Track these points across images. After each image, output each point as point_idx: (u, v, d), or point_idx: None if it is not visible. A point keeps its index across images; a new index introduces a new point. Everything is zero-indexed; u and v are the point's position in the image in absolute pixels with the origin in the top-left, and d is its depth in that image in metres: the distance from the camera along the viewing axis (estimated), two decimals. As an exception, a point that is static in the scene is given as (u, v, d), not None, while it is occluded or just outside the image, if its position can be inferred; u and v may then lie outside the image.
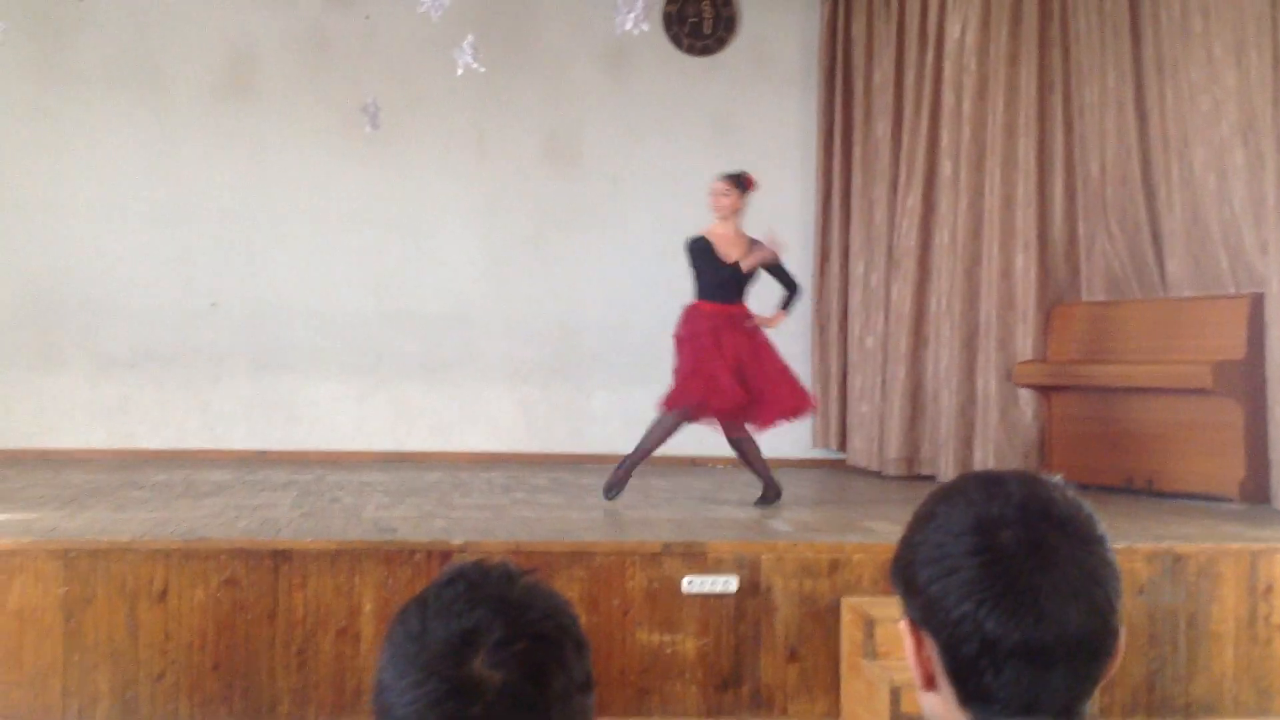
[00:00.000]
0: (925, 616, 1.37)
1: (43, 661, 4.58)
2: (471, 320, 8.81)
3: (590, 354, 8.86)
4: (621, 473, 6.41)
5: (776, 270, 6.41)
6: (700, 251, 6.34)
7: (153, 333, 8.44)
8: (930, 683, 1.40)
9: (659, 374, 8.78)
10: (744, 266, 6.27)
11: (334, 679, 4.71)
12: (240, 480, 7.20)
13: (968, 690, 1.36)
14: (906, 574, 1.40)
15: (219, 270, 8.52)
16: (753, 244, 6.36)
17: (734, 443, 6.41)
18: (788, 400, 6.35)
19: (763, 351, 6.32)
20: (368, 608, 4.79)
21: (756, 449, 6.41)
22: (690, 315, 6.39)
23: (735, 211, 6.38)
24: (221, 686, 4.64)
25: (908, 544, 1.42)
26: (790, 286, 6.49)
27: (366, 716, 4.65)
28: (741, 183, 6.40)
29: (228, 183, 8.49)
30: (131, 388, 8.45)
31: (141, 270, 8.42)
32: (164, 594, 4.68)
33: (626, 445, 8.59)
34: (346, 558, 4.81)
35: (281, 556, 4.76)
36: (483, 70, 7.02)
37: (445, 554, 4.84)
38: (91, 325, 8.36)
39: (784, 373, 6.39)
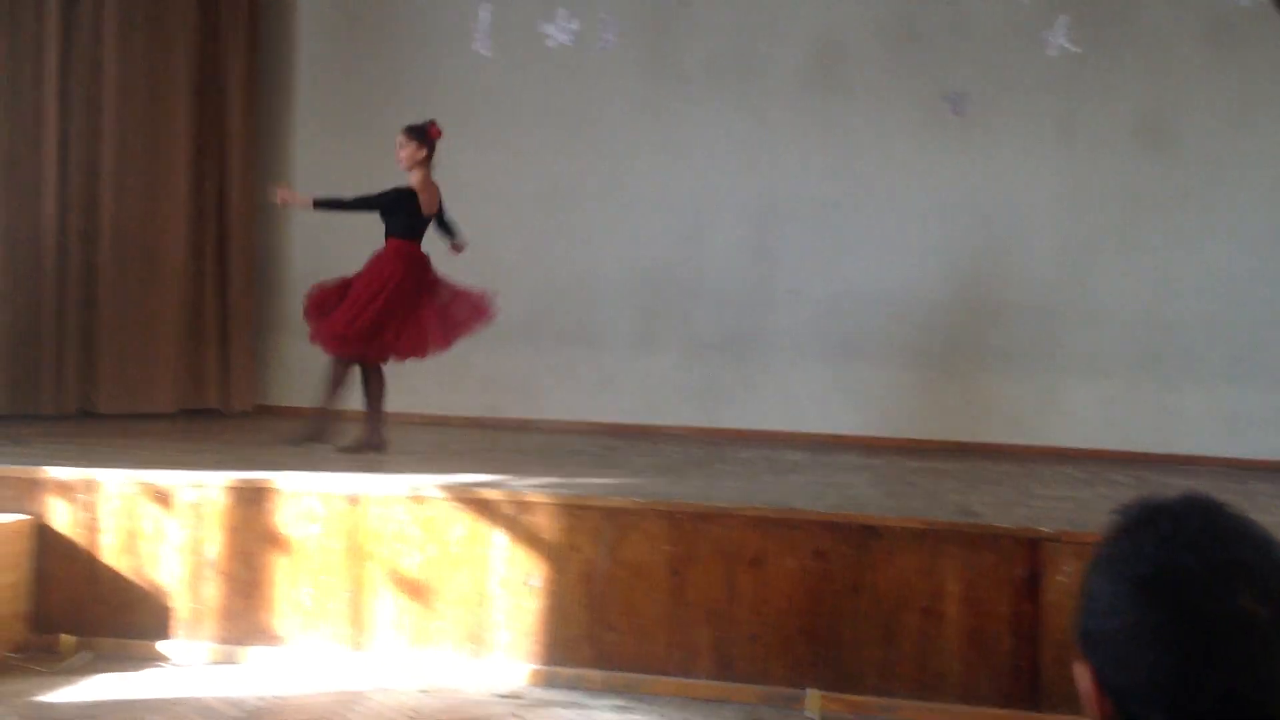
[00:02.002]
0: None
1: (651, 613, 4.98)
2: (1052, 310, 8.56)
3: (1183, 348, 8.32)
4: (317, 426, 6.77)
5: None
6: (403, 200, 6.68)
7: (738, 318, 8.91)
8: None
9: (1262, 370, 8.15)
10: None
11: (918, 657, 4.76)
12: (816, 461, 7.44)
13: None
14: None
15: (803, 258, 8.84)
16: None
17: (366, 376, 6.74)
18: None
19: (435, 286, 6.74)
20: (951, 589, 4.80)
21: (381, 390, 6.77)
22: (391, 256, 6.68)
23: (417, 163, 6.68)
24: (809, 653, 4.83)
25: None
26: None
27: (949, 697, 4.67)
28: (420, 133, 6.70)
29: (816, 173, 8.79)
30: (717, 370, 8.96)
31: (732, 258, 8.91)
32: (758, 560, 4.93)
33: (1222, 446, 8.06)
34: (932, 538, 4.83)
35: (869, 532, 4.87)
36: (1077, 51, 6.81)
37: (1033, 541, 4.75)
38: (686, 311, 8.96)
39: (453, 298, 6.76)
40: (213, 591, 5.28)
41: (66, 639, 5.23)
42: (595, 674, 4.97)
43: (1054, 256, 8.56)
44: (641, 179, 8.96)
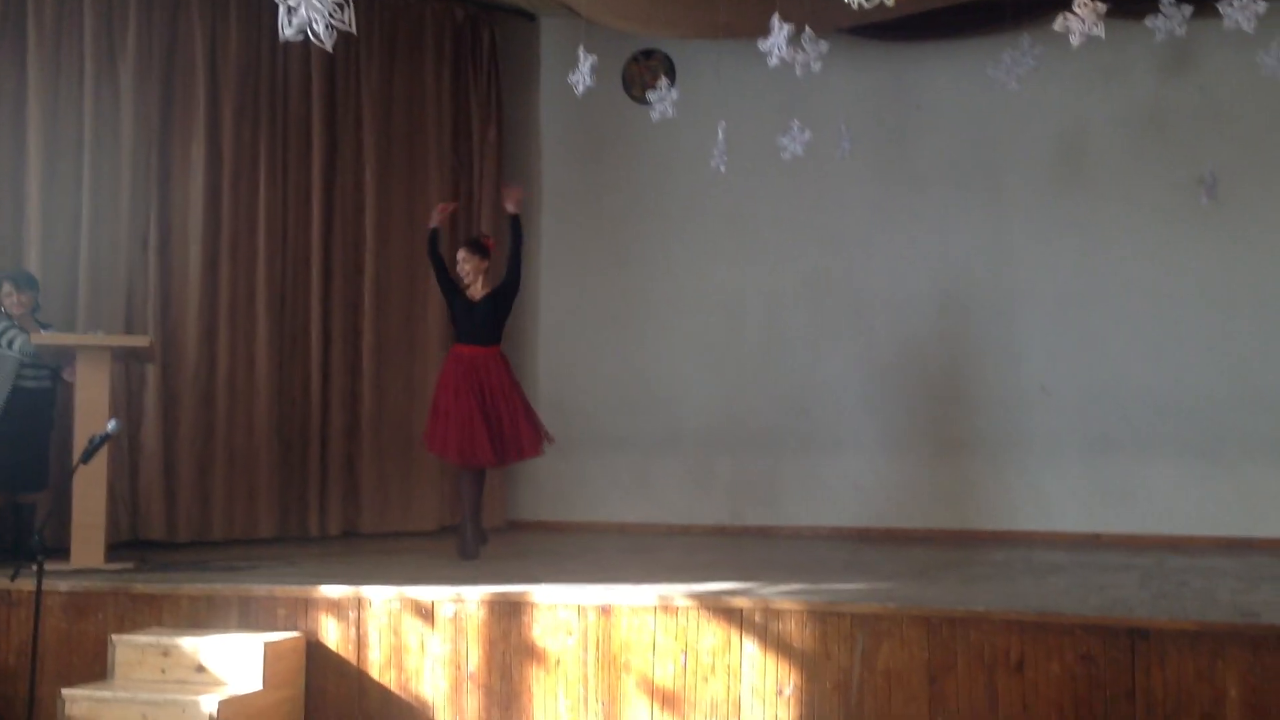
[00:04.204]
0: None
1: (910, 721, 4.84)
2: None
3: None
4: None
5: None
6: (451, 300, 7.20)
7: (986, 417, 8.68)
8: None
9: None
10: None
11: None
12: (1076, 561, 7.14)
13: None
14: None
15: (1050, 355, 8.58)
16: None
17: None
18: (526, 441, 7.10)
19: (511, 391, 7.11)
20: (1232, 694, 4.52)
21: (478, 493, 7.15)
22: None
23: (481, 272, 7.16)
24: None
25: None
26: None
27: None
28: (480, 248, 7.24)
29: (1061, 267, 8.56)
30: (966, 470, 8.72)
31: (977, 358, 8.71)
32: (1020, 665, 4.75)
33: None
34: (1208, 640, 4.57)
35: (1139, 635, 4.64)
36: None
37: (1323, 643, 4.42)
38: (931, 411, 8.78)
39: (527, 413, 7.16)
40: (473, 704, 5.41)
41: (338, 753, 5.44)
42: (855, 786, 4.85)
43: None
44: (879, 282, 8.89)
